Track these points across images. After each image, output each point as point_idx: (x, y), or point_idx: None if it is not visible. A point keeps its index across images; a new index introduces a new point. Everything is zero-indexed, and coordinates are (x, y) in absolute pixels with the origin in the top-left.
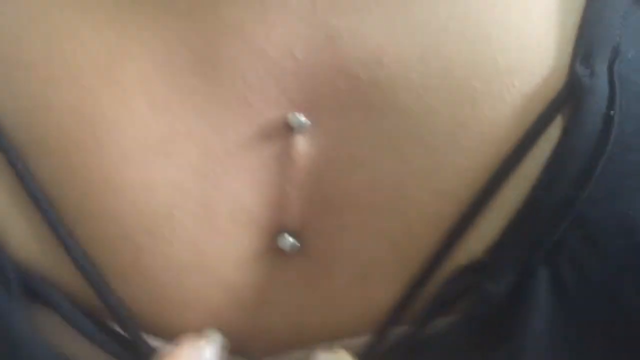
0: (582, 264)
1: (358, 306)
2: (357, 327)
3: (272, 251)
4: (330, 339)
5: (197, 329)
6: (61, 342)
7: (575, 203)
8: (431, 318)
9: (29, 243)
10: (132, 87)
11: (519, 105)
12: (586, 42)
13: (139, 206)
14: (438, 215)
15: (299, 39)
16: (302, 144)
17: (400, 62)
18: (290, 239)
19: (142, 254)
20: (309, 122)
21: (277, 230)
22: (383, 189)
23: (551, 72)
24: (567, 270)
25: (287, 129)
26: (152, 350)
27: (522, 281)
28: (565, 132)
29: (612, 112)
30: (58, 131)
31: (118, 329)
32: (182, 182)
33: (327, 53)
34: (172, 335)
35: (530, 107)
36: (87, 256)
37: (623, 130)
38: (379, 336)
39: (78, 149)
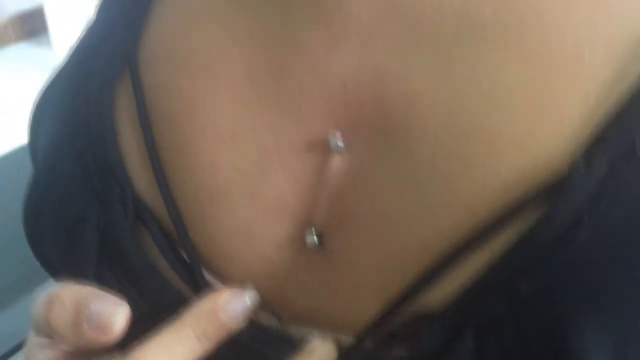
0: (505, 338)
1: (352, 309)
2: (349, 327)
3: (300, 240)
4: (331, 330)
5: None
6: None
7: (512, 286)
8: (384, 349)
9: (141, 180)
10: (223, 82)
11: (511, 179)
12: (604, 133)
13: (208, 180)
14: (420, 255)
15: (352, 72)
16: (336, 159)
17: (429, 110)
18: (314, 235)
19: (206, 217)
20: (343, 145)
21: (307, 224)
22: (386, 215)
23: (560, 154)
24: (491, 339)
25: (327, 145)
26: (205, 281)
27: (451, 339)
28: (538, 220)
29: (584, 216)
30: (170, 106)
31: (185, 256)
32: (241, 168)
33: (372, 88)
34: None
35: (522, 183)
36: (174, 202)
37: (594, 237)
38: (354, 344)
39: (176, 122)
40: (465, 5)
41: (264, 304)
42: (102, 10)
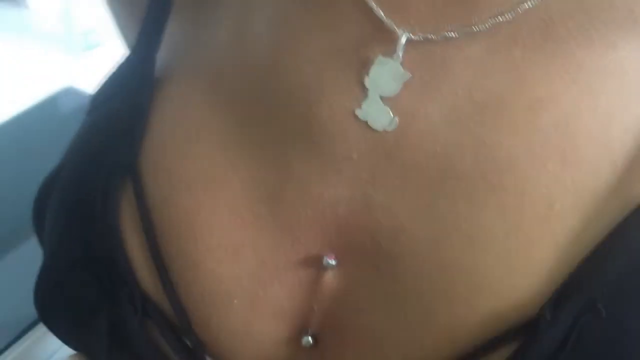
0: None
1: None
2: None
3: (296, 340)
4: None
5: None
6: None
7: None
8: None
9: (148, 280)
10: (222, 202)
11: (487, 316)
12: (569, 284)
13: (210, 286)
14: None
15: (343, 200)
16: (329, 276)
17: (414, 244)
18: (310, 339)
19: (209, 315)
20: (335, 263)
21: (302, 329)
22: (373, 329)
23: (532, 298)
24: None
25: (321, 262)
26: None
27: None
28: (507, 358)
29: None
30: (171, 217)
31: (189, 344)
32: (242, 280)
33: (362, 217)
34: None
35: (497, 321)
36: (179, 302)
37: None
38: None
39: (178, 233)
40: (448, 152)
41: None
42: (96, 108)
